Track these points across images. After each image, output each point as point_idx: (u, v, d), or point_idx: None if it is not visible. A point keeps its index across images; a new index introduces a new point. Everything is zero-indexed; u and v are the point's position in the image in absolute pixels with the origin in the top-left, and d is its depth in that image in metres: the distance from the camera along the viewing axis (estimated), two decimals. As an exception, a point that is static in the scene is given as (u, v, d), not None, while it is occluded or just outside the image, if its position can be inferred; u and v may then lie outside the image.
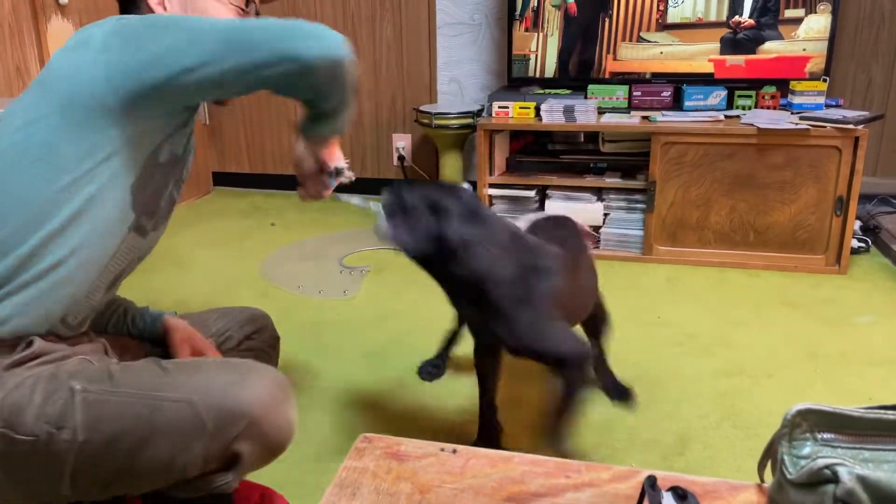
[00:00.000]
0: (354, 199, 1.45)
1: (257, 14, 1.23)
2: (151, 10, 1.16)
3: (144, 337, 1.33)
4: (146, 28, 1.01)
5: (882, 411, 0.71)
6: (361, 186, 3.70)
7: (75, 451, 0.97)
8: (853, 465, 0.67)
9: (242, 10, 1.21)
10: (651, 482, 0.75)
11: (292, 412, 1.07)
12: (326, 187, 1.31)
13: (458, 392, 1.84)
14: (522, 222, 1.60)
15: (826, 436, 0.71)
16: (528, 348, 1.35)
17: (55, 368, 1.02)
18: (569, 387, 1.38)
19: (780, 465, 0.72)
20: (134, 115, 1.01)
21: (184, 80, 0.98)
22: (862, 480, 0.66)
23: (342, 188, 1.38)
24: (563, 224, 1.66)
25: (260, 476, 1.28)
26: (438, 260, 1.28)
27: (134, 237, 1.11)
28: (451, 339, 1.93)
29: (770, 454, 0.76)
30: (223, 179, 3.93)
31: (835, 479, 0.66)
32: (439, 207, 1.25)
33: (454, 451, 0.89)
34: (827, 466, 0.67)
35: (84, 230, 1.02)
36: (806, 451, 0.71)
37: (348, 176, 1.31)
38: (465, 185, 1.37)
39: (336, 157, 1.29)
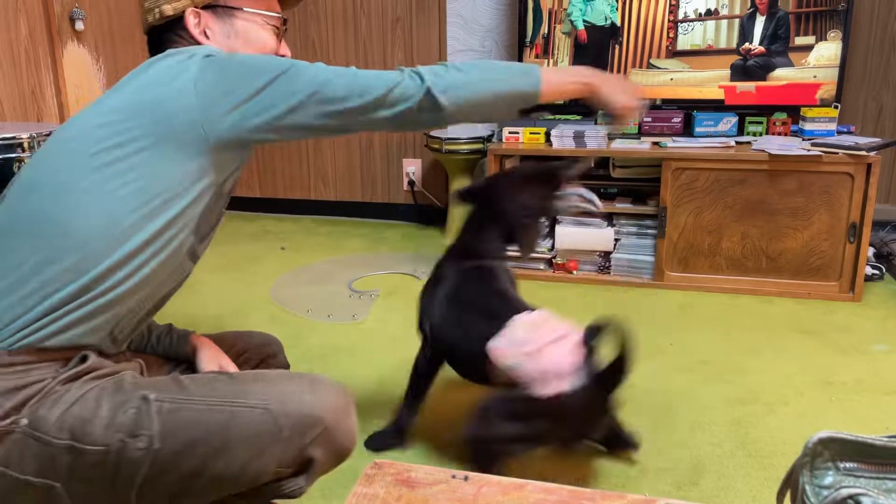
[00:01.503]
0: None
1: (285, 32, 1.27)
2: (193, 37, 1.18)
3: (169, 355, 1.34)
4: (247, 67, 1.06)
5: (906, 440, 0.70)
6: (371, 212, 3.73)
7: (150, 458, 0.99)
8: (877, 495, 0.66)
9: (278, 28, 1.25)
10: (668, 511, 0.73)
11: (355, 419, 1.13)
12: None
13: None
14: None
15: (848, 465, 0.69)
16: None
17: (115, 381, 1.04)
18: None
19: (801, 494, 0.70)
20: (221, 149, 1.06)
21: (290, 117, 1.07)
22: (887, 511, 0.64)
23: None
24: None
25: None
26: None
27: (186, 261, 1.14)
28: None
29: (790, 483, 0.74)
30: (233, 203, 3.95)
31: (859, 509, 0.65)
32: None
33: (465, 478, 0.87)
34: (850, 497, 0.65)
35: (151, 254, 1.05)
36: (828, 480, 0.69)
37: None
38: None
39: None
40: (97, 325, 1.04)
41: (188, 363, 1.33)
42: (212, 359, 1.32)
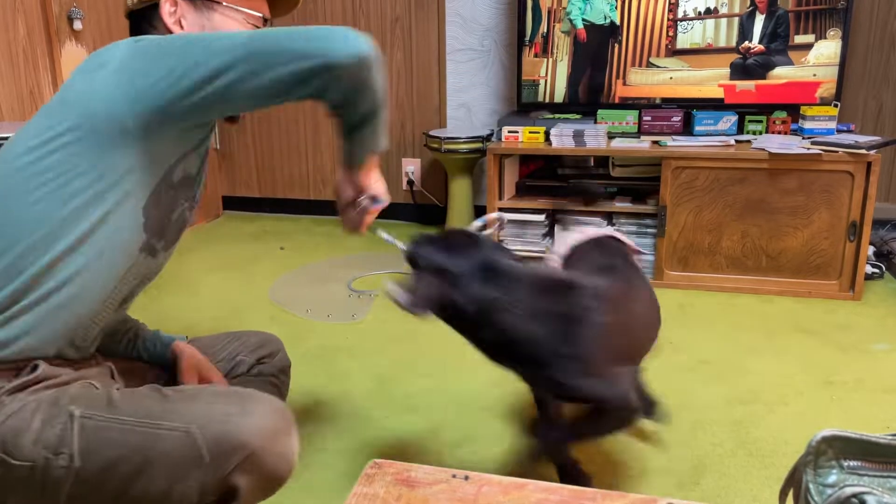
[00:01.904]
0: (385, 235, 1.33)
1: None
2: (169, 30, 1.14)
3: (154, 361, 1.32)
4: (163, 47, 0.99)
5: (910, 438, 0.69)
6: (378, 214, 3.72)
7: (72, 477, 0.96)
8: (881, 493, 0.65)
9: (258, 29, 1.21)
10: (671, 511, 0.73)
11: (293, 443, 1.03)
12: (363, 216, 1.24)
13: (468, 415, 1.81)
14: (561, 247, 1.51)
15: (852, 463, 0.69)
16: (574, 398, 1.29)
17: (57, 393, 1.00)
18: (604, 425, 1.32)
19: (804, 493, 0.70)
20: (150, 135, 1.00)
21: (203, 91, 0.97)
22: (891, 510, 0.63)
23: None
24: (608, 247, 1.56)
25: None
26: (459, 324, 1.24)
27: (144, 258, 1.10)
28: None
29: (793, 482, 0.74)
30: (233, 203, 3.95)
31: (863, 508, 0.64)
32: (450, 270, 1.18)
33: (466, 478, 0.87)
34: (855, 495, 0.65)
35: (93, 251, 1.01)
36: (832, 479, 0.69)
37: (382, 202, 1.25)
38: (495, 215, 1.31)
39: (373, 184, 1.22)
40: (49, 333, 1.01)
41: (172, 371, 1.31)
42: (191, 367, 1.29)
